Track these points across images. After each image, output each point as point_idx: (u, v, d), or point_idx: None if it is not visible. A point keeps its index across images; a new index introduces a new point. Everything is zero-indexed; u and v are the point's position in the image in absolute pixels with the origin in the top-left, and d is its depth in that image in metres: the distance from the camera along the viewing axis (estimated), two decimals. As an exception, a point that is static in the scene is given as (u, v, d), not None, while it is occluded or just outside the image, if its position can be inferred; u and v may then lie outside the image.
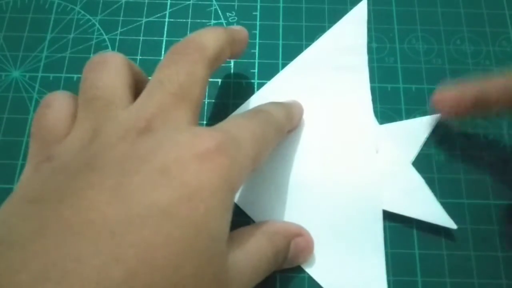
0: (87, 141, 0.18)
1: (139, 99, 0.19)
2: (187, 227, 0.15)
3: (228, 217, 0.17)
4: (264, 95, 0.27)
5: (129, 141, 0.17)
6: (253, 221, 0.24)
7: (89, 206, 0.15)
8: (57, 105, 0.20)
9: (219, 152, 0.17)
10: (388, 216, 0.24)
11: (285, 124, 0.23)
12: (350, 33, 0.29)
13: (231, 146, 0.17)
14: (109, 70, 0.20)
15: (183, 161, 0.16)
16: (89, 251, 0.14)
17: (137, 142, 0.17)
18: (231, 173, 0.17)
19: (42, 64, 0.29)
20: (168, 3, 0.31)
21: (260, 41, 0.29)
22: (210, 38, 0.21)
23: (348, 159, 0.25)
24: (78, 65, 0.29)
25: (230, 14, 0.30)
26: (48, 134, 0.19)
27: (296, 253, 0.22)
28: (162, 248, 0.15)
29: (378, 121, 0.27)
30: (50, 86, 0.28)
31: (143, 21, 0.30)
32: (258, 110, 0.22)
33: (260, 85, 0.28)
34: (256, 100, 0.27)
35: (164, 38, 0.29)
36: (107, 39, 0.29)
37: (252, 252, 0.19)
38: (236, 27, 0.24)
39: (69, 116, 0.19)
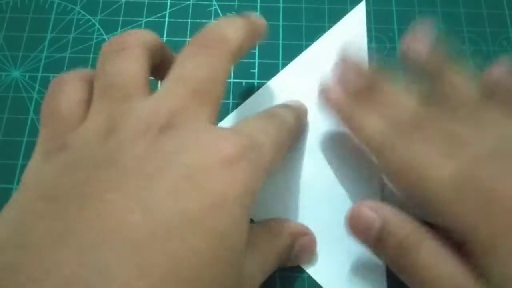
0: (104, 133, 0.17)
1: (158, 92, 0.18)
2: (212, 238, 0.15)
3: (248, 225, 0.17)
4: (264, 95, 0.27)
5: (150, 138, 0.16)
6: (253, 221, 0.24)
7: (112, 212, 0.14)
8: (69, 90, 0.18)
9: (243, 158, 0.16)
10: (388, 216, 0.24)
11: (296, 128, 0.23)
12: (349, 34, 0.29)
13: (254, 151, 0.17)
14: (127, 55, 0.18)
15: (208, 166, 0.16)
16: (113, 264, 0.13)
17: (159, 140, 0.16)
18: (254, 179, 0.16)
19: (42, 64, 0.29)
20: (168, 3, 0.31)
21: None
22: (231, 30, 0.19)
23: (349, 159, 0.25)
24: (78, 65, 0.29)
25: (230, 14, 0.30)
26: (60, 120, 0.18)
27: (300, 252, 0.22)
28: (187, 260, 0.14)
29: (378, 121, 0.27)
30: (50, 86, 0.28)
31: (143, 21, 0.30)
32: (273, 113, 0.21)
33: (260, 85, 0.28)
34: (256, 100, 0.27)
35: (164, 38, 0.29)
36: (107, 39, 0.29)
37: (259, 253, 0.19)
38: (255, 17, 0.22)
39: (83, 101, 0.18)
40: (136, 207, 0.14)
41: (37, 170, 0.17)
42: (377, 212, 0.20)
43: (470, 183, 0.18)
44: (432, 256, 0.19)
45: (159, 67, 0.20)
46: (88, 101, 0.18)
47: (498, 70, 0.21)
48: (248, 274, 0.18)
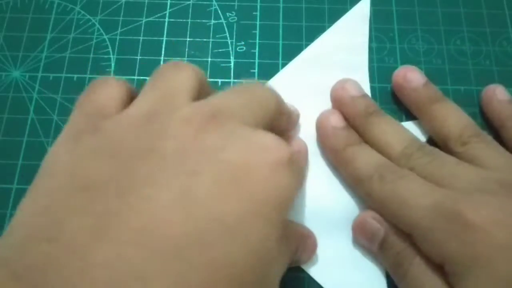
0: (145, 119, 0.16)
1: (209, 96, 0.18)
2: (249, 248, 0.14)
3: (282, 232, 0.16)
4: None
5: (194, 127, 0.16)
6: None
7: (153, 212, 0.14)
8: (109, 87, 0.18)
9: (292, 164, 0.16)
10: (388, 216, 0.24)
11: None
12: (351, 31, 0.29)
13: (296, 161, 0.17)
14: (181, 71, 0.19)
15: (254, 166, 0.15)
16: (152, 270, 0.13)
17: (202, 130, 0.16)
18: (296, 188, 0.16)
19: (42, 64, 0.29)
20: (168, 3, 0.31)
21: (260, 41, 0.29)
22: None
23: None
24: (78, 65, 0.29)
25: (230, 14, 0.30)
26: (96, 108, 0.17)
27: (302, 253, 0.22)
28: (226, 270, 0.14)
29: (378, 121, 0.27)
30: (50, 86, 0.28)
31: (143, 21, 0.30)
32: None
33: (260, 85, 0.28)
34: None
35: (164, 38, 0.29)
36: (107, 39, 0.29)
37: (287, 256, 0.19)
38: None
39: (122, 100, 0.18)
40: (176, 207, 0.14)
41: (66, 153, 0.16)
42: (380, 223, 0.22)
43: (448, 214, 0.20)
44: (420, 271, 0.20)
45: None
46: (127, 103, 0.18)
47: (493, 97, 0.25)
48: (273, 283, 0.17)
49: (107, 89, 0.18)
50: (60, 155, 0.16)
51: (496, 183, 0.21)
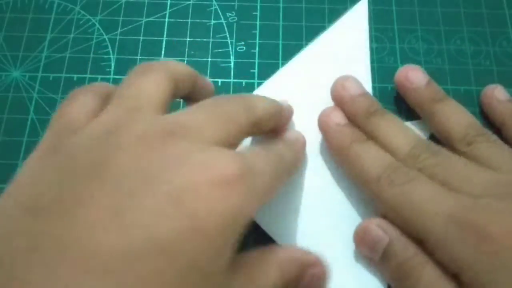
0: (104, 135, 0.17)
1: (175, 112, 0.18)
2: (184, 266, 0.14)
3: (230, 252, 0.16)
4: (264, 94, 0.27)
5: (145, 145, 0.16)
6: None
7: (86, 229, 0.14)
8: (82, 99, 0.19)
9: (241, 181, 0.16)
10: (388, 216, 0.24)
11: (293, 165, 0.23)
12: (351, 31, 0.29)
13: (253, 176, 0.16)
14: (150, 77, 0.19)
15: (196, 185, 0.15)
16: None
17: (153, 149, 0.16)
18: (246, 206, 0.16)
19: (42, 64, 0.29)
20: (168, 3, 0.31)
21: (260, 41, 0.29)
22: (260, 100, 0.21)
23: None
24: (78, 65, 0.29)
25: (230, 14, 0.30)
26: (65, 124, 0.18)
27: (312, 283, 0.20)
28: (153, 283, 0.14)
29: (378, 121, 0.27)
30: (50, 86, 0.28)
31: (143, 21, 0.30)
32: (271, 148, 0.21)
33: (260, 85, 0.28)
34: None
35: (164, 38, 0.30)
36: (107, 39, 0.29)
37: (260, 284, 0.18)
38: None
39: (93, 112, 0.18)
40: (112, 227, 0.14)
41: (28, 171, 0.17)
42: (385, 230, 0.21)
43: (463, 223, 0.19)
44: (433, 280, 0.20)
45: (193, 96, 0.20)
46: (99, 113, 0.18)
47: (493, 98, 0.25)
48: None
49: (77, 103, 0.19)
50: (24, 173, 0.17)
51: (506, 186, 0.21)
